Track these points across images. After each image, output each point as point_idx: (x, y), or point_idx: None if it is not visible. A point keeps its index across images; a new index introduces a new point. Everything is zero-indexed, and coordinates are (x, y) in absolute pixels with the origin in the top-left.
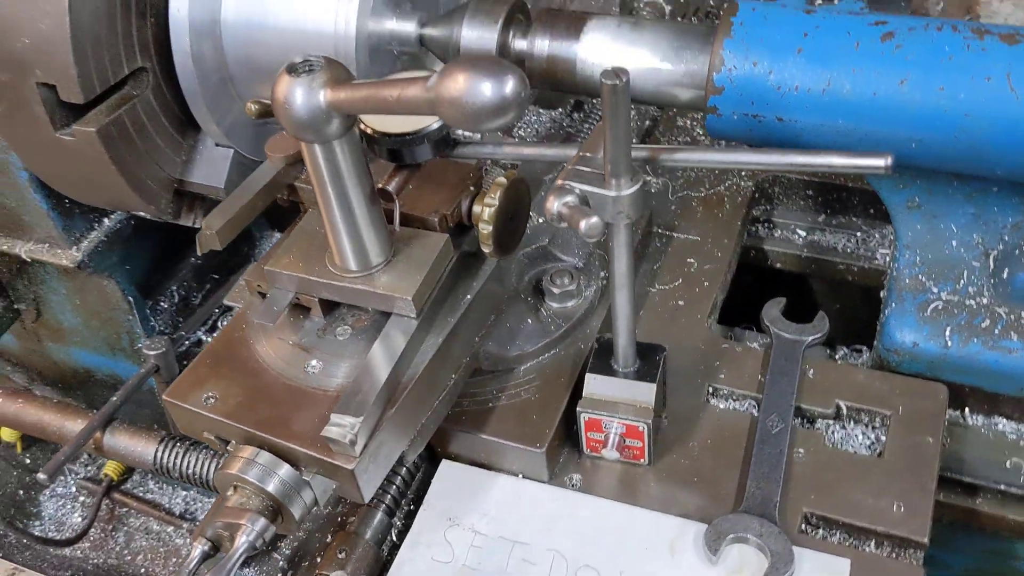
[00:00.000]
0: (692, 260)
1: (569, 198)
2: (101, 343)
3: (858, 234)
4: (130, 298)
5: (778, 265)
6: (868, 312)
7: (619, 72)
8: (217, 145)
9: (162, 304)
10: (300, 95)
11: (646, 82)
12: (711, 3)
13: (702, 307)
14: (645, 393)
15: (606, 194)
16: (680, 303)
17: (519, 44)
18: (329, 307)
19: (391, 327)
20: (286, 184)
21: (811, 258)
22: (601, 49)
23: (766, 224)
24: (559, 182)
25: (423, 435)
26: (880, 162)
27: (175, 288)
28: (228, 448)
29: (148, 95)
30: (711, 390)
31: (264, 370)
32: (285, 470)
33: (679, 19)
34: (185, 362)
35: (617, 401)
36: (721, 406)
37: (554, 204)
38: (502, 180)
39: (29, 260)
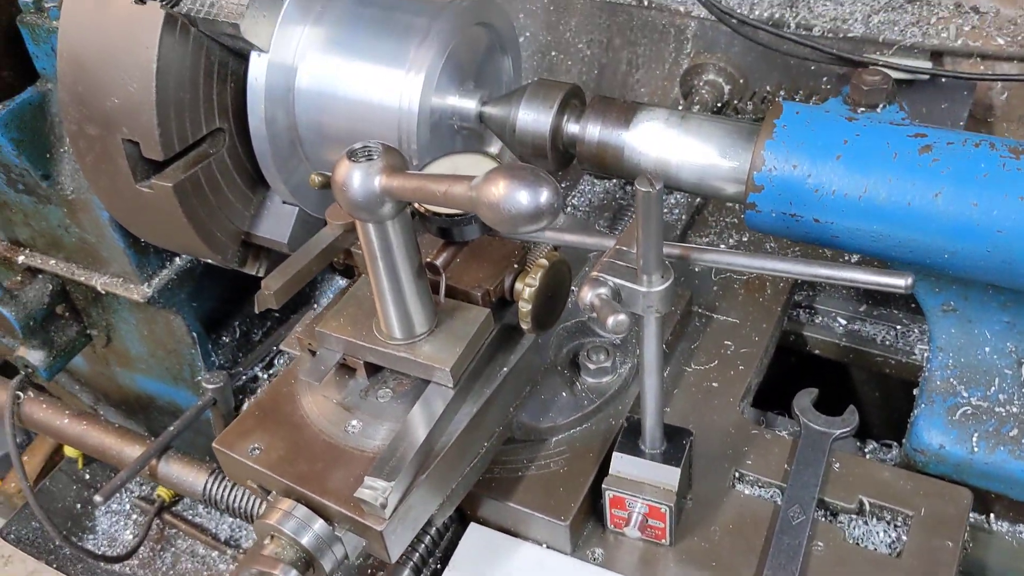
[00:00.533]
0: (730, 342)
1: (602, 290)
2: (164, 372)
3: (898, 327)
4: (194, 333)
5: (817, 351)
6: (904, 405)
7: (653, 180)
8: (284, 202)
9: (224, 339)
10: (357, 180)
11: (690, 174)
12: (768, 89)
13: (735, 390)
14: (669, 476)
15: (637, 289)
16: (714, 384)
17: (572, 128)
18: (373, 369)
19: (430, 394)
20: (343, 249)
21: (850, 347)
22: (649, 139)
23: (807, 310)
24: (593, 274)
25: (452, 500)
26: (900, 282)
27: (237, 324)
28: (269, 498)
29: (223, 154)
30: (737, 475)
31: (307, 426)
32: (319, 525)
33: (735, 102)
34: (241, 396)
35: (642, 481)
36: (746, 492)
37: (587, 295)
38: (543, 262)
39: (103, 292)
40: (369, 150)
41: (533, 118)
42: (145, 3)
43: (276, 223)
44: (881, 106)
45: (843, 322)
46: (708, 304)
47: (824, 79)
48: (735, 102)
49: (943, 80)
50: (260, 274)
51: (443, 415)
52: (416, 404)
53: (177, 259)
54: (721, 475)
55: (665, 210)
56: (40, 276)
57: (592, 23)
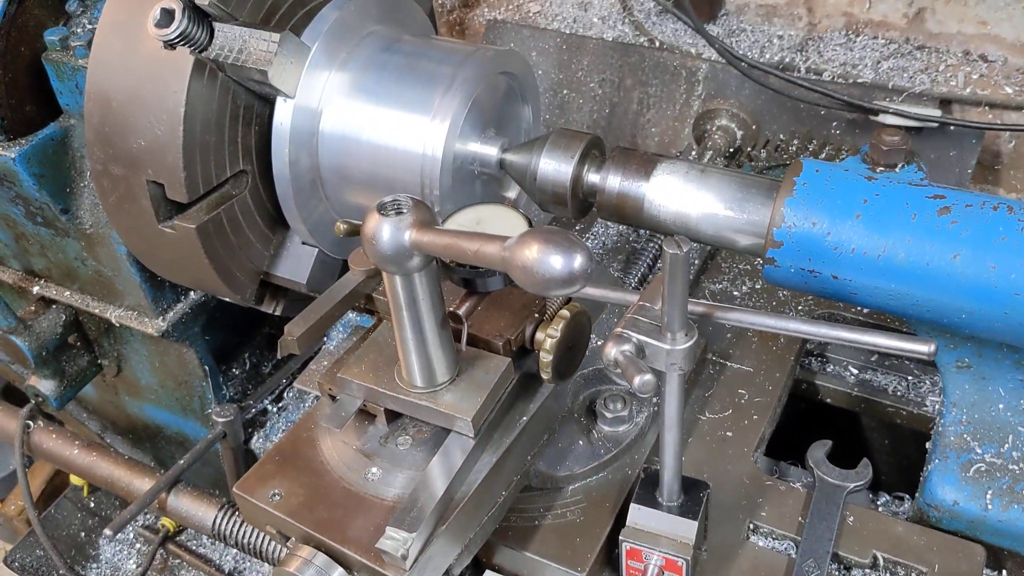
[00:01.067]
0: (743, 391)
1: (626, 347)
2: (174, 403)
3: (909, 378)
4: (206, 367)
5: (828, 400)
6: (915, 455)
7: (680, 242)
8: (303, 243)
9: (234, 371)
10: (387, 233)
11: (708, 226)
12: (781, 136)
13: (749, 440)
14: (687, 530)
15: (661, 346)
16: (728, 434)
17: (592, 178)
18: (393, 416)
19: (450, 444)
20: (365, 294)
21: (861, 397)
22: (668, 192)
23: (819, 358)
24: (618, 330)
25: (470, 549)
26: (924, 348)
27: (247, 356)
28: (288, 544)
29: (246, 195)
30: (752, 526)
31: (327, 472)
32: (339, 574)
33: (749, 148)
34: (251, 429)
35: (659, 534)
36: (760, 544)
37: (612, 351)
38: (565, 313)
39: (117, 324)
40: (399, 204)
41: (554, 167)
42: (175, 48)
43: (295, 264)
44: (900, 165)
45: (855, 371)
46: (722, 352)
47: (834, 124)
48: (748, 149)
49: (951, 128)
50: (277, 313)
51: (463, 465)
52: (436, 454)
53: (192, 294)
54: (736, 526)
55: None
56: (54, 306)
57: (604, 62)
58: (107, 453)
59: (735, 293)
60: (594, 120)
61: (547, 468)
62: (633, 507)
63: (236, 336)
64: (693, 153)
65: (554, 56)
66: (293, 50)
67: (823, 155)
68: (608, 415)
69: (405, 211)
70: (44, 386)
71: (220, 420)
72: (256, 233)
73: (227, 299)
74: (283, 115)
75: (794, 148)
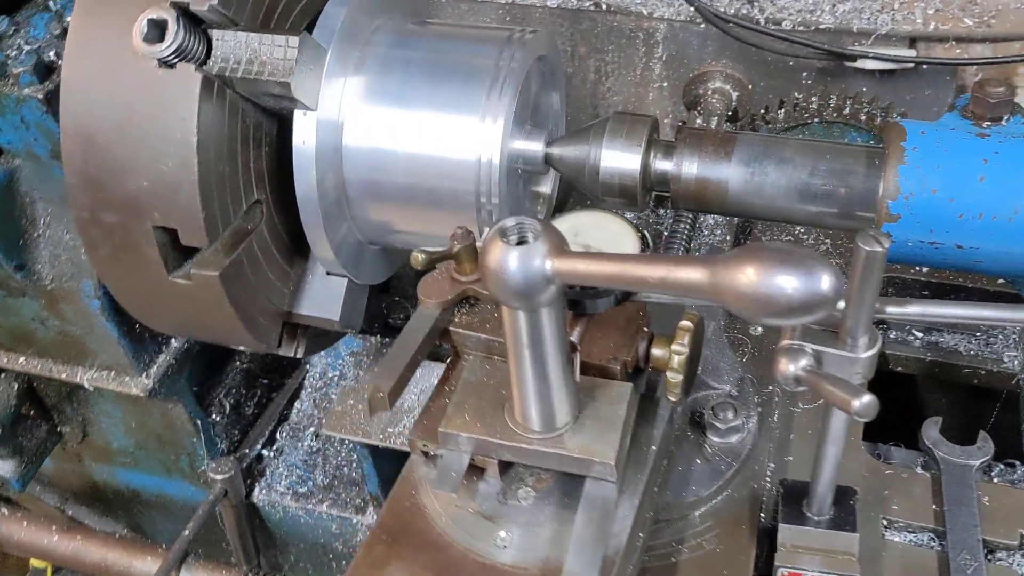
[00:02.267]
0: None
1: (804, 361)
2: (155, 464)
3: (977, 334)
4: (197, 420)
5: (899, 369)
6: (1002, 416)
7: (879, 238)
8: (328, 274)
9: (215, 417)
10: (521, 266)
11: (805, 204)
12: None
13: (855, 427)
14: (847, 543)
15: (846, 355)
16: None
17: (662, 165)
18: (505, 466)
19: (590, 494)
20: (442, 329)
21: (935, 361)
22: (755, 171)
23: (879, 325)
24: (788, 342)
25: None
26: None
27: (223, 397)
28: None
29: (262, 228)
30: (885, 522)
31: (450, 545)
32: None
33: (762, 111)
34: (248, 481)
35: (818, 552)
36: (898, 540)
37: (789, 367)
38: (687, 324)
39: (91, 388)
40: (523, 227)
41: (619, 158)
42: (175, 67)
43: (323, 299)
44: (1006, 118)
45: (919, 334)
46: None
47: (804, 74)
48: (761, 111)
49: (924, 67)
50: (299, 355)
51: (613, 518)
52: (580, 509)
53: (173, 341)
54: (871, 525)
55: (705, 231)
56: (2, 375)
57: (553, 32)
58: (91, 533)
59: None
60: None
61: (673, 496)
62: (783, 528)
63: (209, 377)
64: (699, 121)
65: None
66: (312, 56)
67: (847, 110)
68: (721, 426)
69: (535, 236)
70: (3, 468)
71: (219, 478)
72: (275, 270)
73: (248, 348)
74: (305, 131)
75: (814, 105)
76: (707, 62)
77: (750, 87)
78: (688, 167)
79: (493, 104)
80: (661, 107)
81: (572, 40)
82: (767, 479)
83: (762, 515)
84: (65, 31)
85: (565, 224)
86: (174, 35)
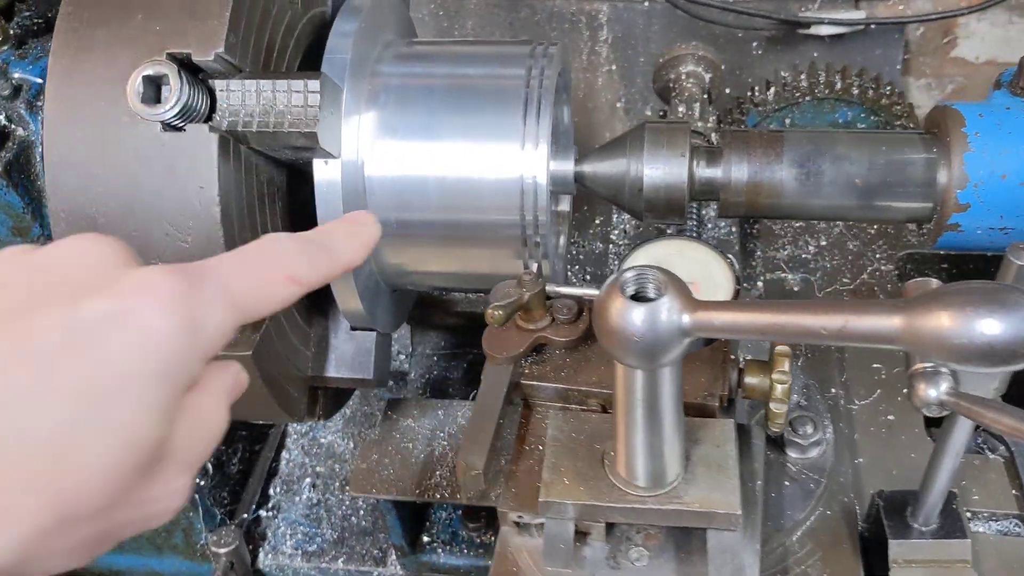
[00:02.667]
0: (878, 365)
1: (946, 385)
2: (143, 544)
3: None
4: (195, 495)
5: None
6: None
7: None
8: (353, 329)
9: (199, 483)
10: (652, 324)
11: (868, 200)
12: (785, 75)
13: (914, 418)
14: (961, 551)
15: (985, 371)
16: (890, 417)
17: (708, 173)
18: (609, 525)
19: (714, 548)
20: (515, 383)
21: None
22: (811, 170)
23: None
24: (921, 365)
25: None
26: None
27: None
28: None
29: None
30: (969, 514)
31: None
32: None
33: (750, 94)
34: (250, 546)
35: (931, 563)
36: (985, 530)
37: (930, 393)
38: (785, 350)
39: None
40: (643, 279)
41: (665, 171)
42: (184, 129)
43: (353, 357)
44: None
45: None
46: None
47: (754, 44)
48: (749, 93)
49: (873, 28)
50: (323, 420)
51: (743, 568)
52: (711, 566)
53: None
54: (956, 519)
55: (710, 225)
56: None
57: (491, 22)
58: None
59: (805, 256)
60: None
61: (774, 525)
62: (893, 544)
63: None
64: (682, 109)
65: (431, 25)
66: (331, 98)
67: (838, 86)
68: (803, 442)
69: (659, 288)
70: None
71: (223, 551)
72: (297, 333)
73: (277, 422)
74: (328, 180)
75: (803, 83)
76: (676, 44)
77: (722, 67)
78: (738, 172)
79: (531, 128)
80: (612, 92)
81: (512, 30)
82: (878, 495)
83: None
84: (16, 90)
85: (644, 257)
86: (178, 92)
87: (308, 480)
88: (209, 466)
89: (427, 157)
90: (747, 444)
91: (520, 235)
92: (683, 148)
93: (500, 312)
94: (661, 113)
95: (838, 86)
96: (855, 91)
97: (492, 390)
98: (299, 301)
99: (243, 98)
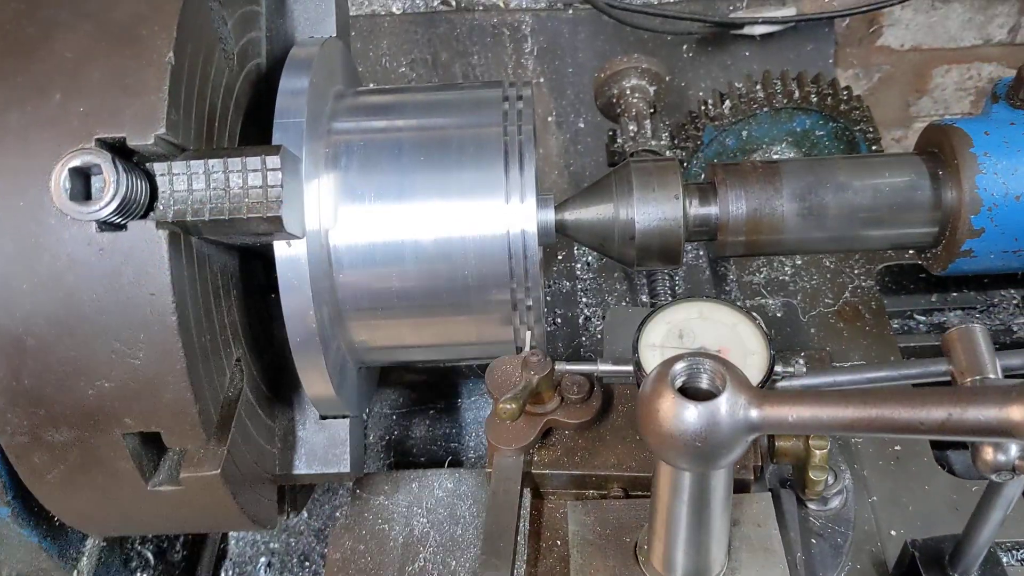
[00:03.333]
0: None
1: (1016, 449)
2: None
3: (977, 306)
4: None
5: None
6: None
7: None
8: (323, 417)
9: (139, 574)
10: (713, 425)
11: (874, 229)
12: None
13: (920, 447)
14: None
15: None
16: (896, 448)
17: (702, 211)
18: None
19: None
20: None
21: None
22: (812, 201)
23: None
24: None
25: None
26: None
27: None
28: None
29: (244, 389)
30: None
31: None
32: None
33: (703, 107)
34: None
35: None
36: (1006, 559)
37: (999, 458)
38: None
39: None
40: (697, 369)
41: (659, 215)
42: (125, 227)
43: (325, 450)
44: None
45: (922, 318)
46: (817, 351)
47: (684, 47)
48: (703, 107)
49: (803, 24)
50: (290, 518)
51: None
52: None
53: None
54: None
55: None
56: None
57: (407, 40)
58: None
59: (782, 278)
60: None
61: None
62: None
63: None
64: (632, 128)
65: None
66: (292, 171)
67: (796, 95)
68: (826, 494)
69: (720, 379)
70: None
71: None
72: (262, 431)
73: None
74: (292, 260)
75: (759, 94)
76: (618, 58)
77: (667, 79)
78: (736, 209)
79: (515, 179)
80: (542, 105)
81: (431, 47)
82: (911, 544)
83: None
84: None
85: (663, 325)
86: (114, 185)
87: (263, 560)
88: (150, 555)
89: (400, 221)
90: (779, 512)
91: (509, 298)
92: (676, 188)
93: (513, 407)
94: (610, 132)
95: (796, 95)
96: (814, 99)
97: (506, 488)
98: (262, 397)
99: (190, 182)
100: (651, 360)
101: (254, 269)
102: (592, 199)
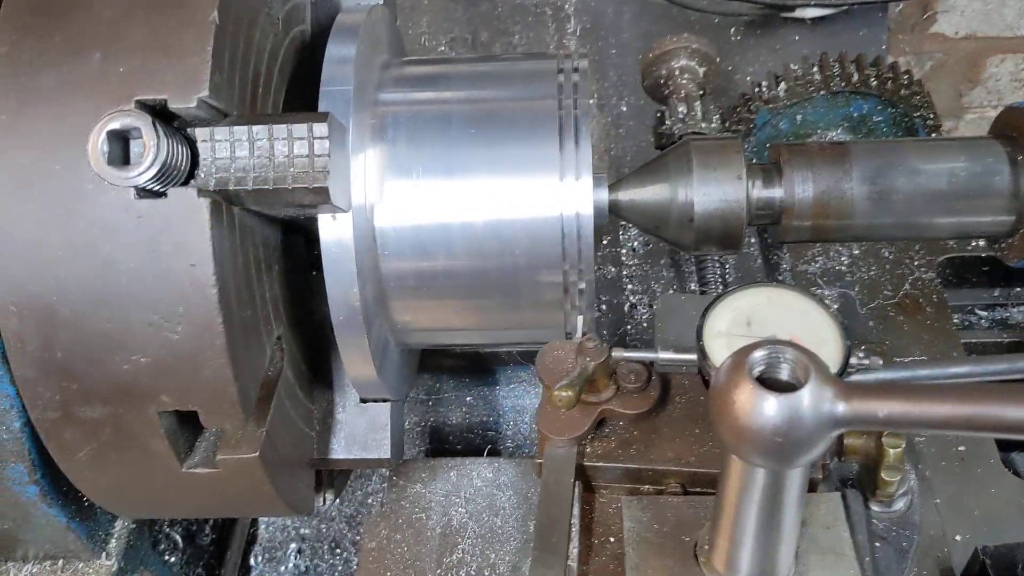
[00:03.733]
0: None
1: None
2: None
3: None
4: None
5: None
6: None
7: None
8: (363, 400)
9: (167, 557)
10: (796, 419)
11: (946, 215)
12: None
13: (986, 447)
14: None
15: None
16: (960, 448)
17: (767, 194)
18: None
19: None
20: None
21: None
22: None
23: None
24: None
25: None
26: None
27: (169, 528)
28: None
29: (284, 368)
30: None
31: None
32: None
33: (757, 89)
34: None
35: None
36: None
37: None
38: None
39: None
40: (776, 358)
41: (721, 195)
42: (166, 194)
43: (366, 434)
44: None
45: (983, 314)
46: (877, 345)
47: (732, 30)
48: (756, 90)
49: (855, 7)
50: (325, 503)
51: None
52: None
53: None
54: None
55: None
56: None
57: (448, 19)
58: None
59: (839, 267)
60: None
61: None
62: None
63: None
64: (682, 109)
65: None
66: (339, 141)
67: (855, 78)
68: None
69: (802, 369)
70: None
71: None
72: (300, 413)
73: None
74: (338, 239)
75: (816, 76)
76: (667, 37)
77: (717, 60)
78: (802, 192)
79: (570, 157)
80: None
81: (471, 26)
82: (981, 551)
83: None
84: None
85: (729, 312)
86: (154, 149)
87: (293, 546)
88: (179, 539)
89: (448, 198)
90: (847, 513)
91: (561, 281)
92: (739, 168)
93: (569, 394)
94: (658, 114)
95: (855, 78)
96: (873, 82)
97: (558, 481)
98: (302, 377)
99: (233, 149)
100: (717, 349)
101: (295, 244)
102: (648, 179)
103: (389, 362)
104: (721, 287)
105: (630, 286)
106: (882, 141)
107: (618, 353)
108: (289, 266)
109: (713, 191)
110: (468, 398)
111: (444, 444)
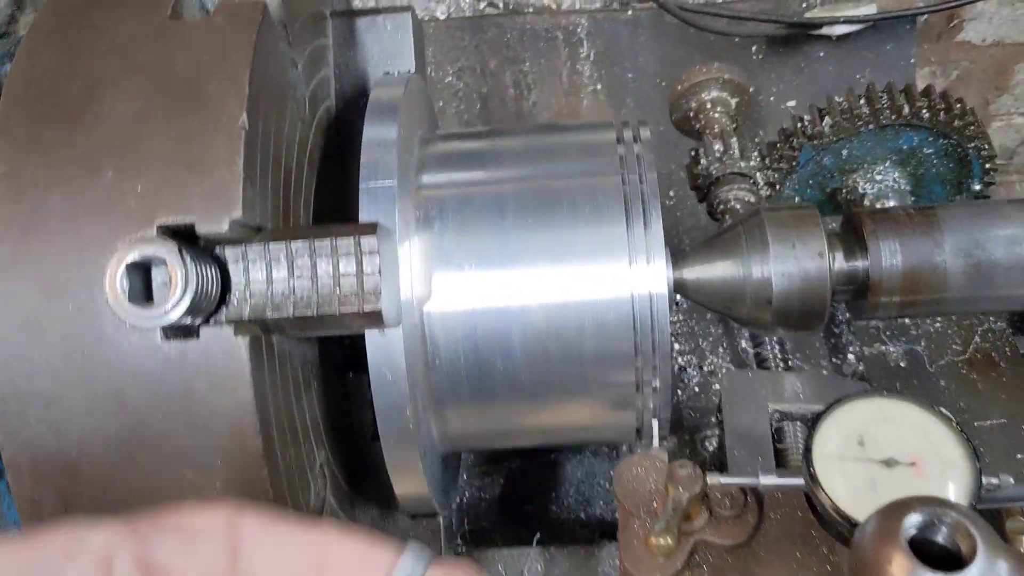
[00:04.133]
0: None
1: None
2: None
3: None
4: None
5: None
6: None
7: None
8: (413, 517)
9: None
10: None
11: None
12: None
13: None
14: None
15: None
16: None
17: (847, 266)
18: None
19: None
20: None
21: None
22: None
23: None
24: None
25: None
26: None
27: None
28: None
29: (327, 496)
30: None
31: None
32: None
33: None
34: None
35: None
36: None
37: None
38: None
39: None
40: (933, 521)
41: (802, 271)
42: (198, 334)
43: None
44: None
45: None
46: (949, 405)
47: (754, 49)
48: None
49: (882, 22)
50: None
51: None
52: None
53: None
54: None
55: None
56: None
57: (454, 47)
58: None
59: (903, 321)
60: (466, 121)
61: None
62: None
63: None
64: (718, 147)
65: None
66: (388, 252)
67: (905, 110)
68: None
69: (965, 537)
70: None
71: None
72: None
73: None
74: (387, 357)
75: (864, 110)
76: (697, 67)
77: (751, 89)
78: (891, 264)
79: (639, 237)
80: (599, 115)
81: (479, 53)
82: None
83: None
84: None
85: (837, 430)
86: (182, 283)
87: None
88: None
89: (504, 292)
90: None
91: (633, 379)
92: (820, 244)
93: (669, 543)
94: (692, 153)
95: (906, 110)
96: (926, 114)
97: None
98: (344, 500)
99: (269, 270)
100: (830, 475)
101: (332, 350)
102: (716, 255)
103: (437, 475)
104: (779, 355)
105: (677, 345)
106: (976, 204)
107: (714, 479)
108: (325, 376)
109: (792, 269)
110: (504, 470)
111: (481, 523)
